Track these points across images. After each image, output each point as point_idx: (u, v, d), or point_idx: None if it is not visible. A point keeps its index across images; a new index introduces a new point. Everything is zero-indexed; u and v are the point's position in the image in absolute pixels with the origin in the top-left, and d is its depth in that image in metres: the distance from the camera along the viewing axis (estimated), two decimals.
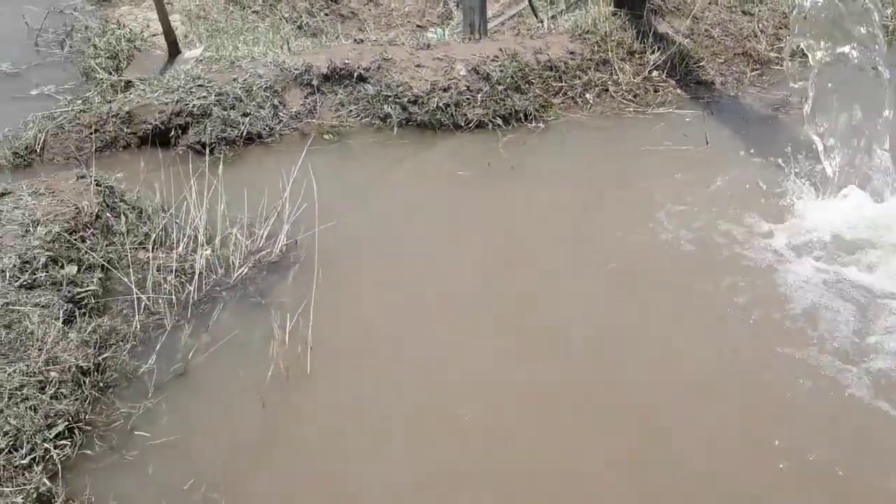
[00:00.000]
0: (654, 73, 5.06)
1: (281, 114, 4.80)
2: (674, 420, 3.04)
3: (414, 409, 3.15)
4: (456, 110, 4.79)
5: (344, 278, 3.73)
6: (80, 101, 4.90)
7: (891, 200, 4.06)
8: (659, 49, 5.10)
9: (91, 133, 4.64)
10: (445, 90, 4.84)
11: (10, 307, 3.28)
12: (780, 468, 2.81)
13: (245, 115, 4.69)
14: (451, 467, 2.93)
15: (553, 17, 5.77)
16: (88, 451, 2.96)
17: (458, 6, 7.04)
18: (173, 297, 3.56)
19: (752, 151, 4.46)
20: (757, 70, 5.18)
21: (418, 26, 7.03)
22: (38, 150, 4.58)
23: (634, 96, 4.96)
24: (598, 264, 3.80)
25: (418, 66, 4.97)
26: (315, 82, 4.92)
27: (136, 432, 3.04)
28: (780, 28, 5.42)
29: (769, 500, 2.74)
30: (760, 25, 5.41)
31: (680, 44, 5.14)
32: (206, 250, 3.72)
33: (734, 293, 3.57)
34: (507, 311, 3.61)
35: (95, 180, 3.96)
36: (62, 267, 3.53)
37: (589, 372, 3.27)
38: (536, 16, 5.91)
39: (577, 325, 3.50)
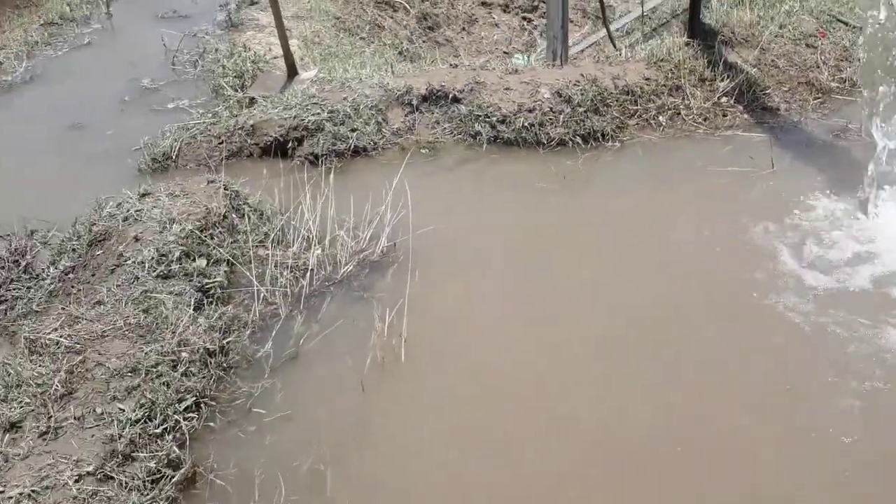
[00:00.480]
0: (724, 99, 4.98)
1: (384, 130, 4.87)
2: None
3: (496, 397, 3.19)
4: (539, 129, 4.79)
5: (436, 278, 3.78)
6: (210, 115, 5.06)
7: None
8: (728, 77, 5.02)
9: (220, 143, 4.79)
10: (531, 111, 4.85)
11: (149, 294, 3.43)
12: None
13: (353, 130, 4.77)
14: (534, 452, 2.96)
15: (630, 45, 5.72)
16: (212, 424, 3.08)
17: (542, 35, 7.04)
18: (288, 289, 3.67)
19: (815, 175, 4.34)
20: (819, 98, 5.05)
21: (505, 53, 7.04)
22: (173, 157, 4.75)
23: (704, 119, 4.89)
24: (660, 267, 3.81)
25: (507, 88, 4.99)
26: (414, 102, 4.98)
27: (253, 409, 3.15)
28: (842, 60, 5.27)
29: None
30: (823, 57, 5.27)
31: (748, 72, 5.05)
32: (317, 249, 3.82)
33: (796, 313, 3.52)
34: (584, 306, 3.62)
35: (223, 185, 4.10)
36: (193, 260, 3.67)
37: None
38: (614, 44, 5.87)
39: (652, 326, 3.49)
